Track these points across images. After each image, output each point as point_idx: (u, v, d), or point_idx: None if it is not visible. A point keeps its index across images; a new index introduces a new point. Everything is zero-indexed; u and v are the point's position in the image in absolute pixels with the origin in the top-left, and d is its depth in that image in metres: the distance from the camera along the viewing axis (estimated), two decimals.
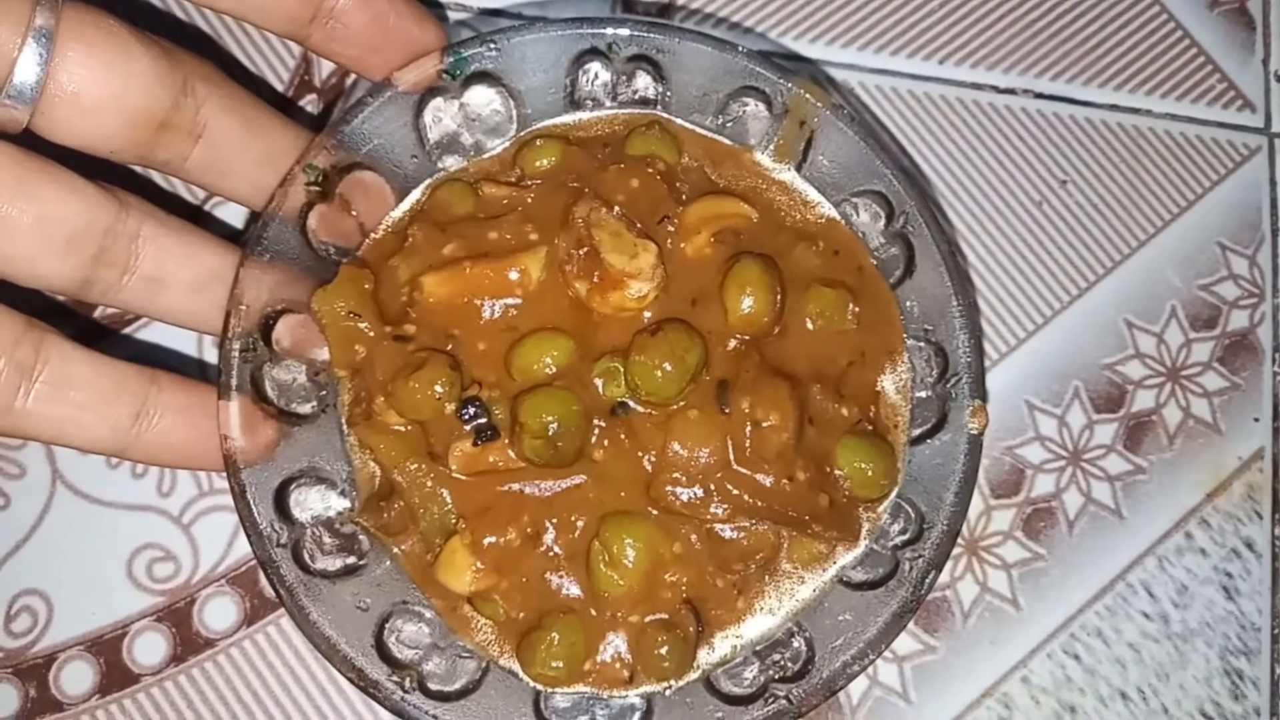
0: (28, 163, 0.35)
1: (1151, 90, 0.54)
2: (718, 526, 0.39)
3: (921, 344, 0.42)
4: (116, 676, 0.44)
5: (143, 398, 0.39)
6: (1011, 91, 0.53)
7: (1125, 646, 0.47)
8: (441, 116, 0.44)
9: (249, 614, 0.45)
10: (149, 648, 0.45)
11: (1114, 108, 0.53)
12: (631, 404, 0.39)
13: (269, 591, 0.44)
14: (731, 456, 0.38)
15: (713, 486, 0.38)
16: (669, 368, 0.38)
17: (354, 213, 0.44)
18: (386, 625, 0.39)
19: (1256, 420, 0.50)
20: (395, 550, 0.41)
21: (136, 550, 0.46)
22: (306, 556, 0.39)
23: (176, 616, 0.45)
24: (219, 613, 0.45)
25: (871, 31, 0.54)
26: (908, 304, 0.43)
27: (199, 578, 0.45)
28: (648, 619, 0.39)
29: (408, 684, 0.38)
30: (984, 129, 0.53)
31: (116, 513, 0.46)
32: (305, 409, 0.41)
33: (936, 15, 0.54)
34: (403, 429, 0.39)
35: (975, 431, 0.40)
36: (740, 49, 0.43)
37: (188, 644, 0.45)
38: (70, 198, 0.35)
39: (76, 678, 0.44)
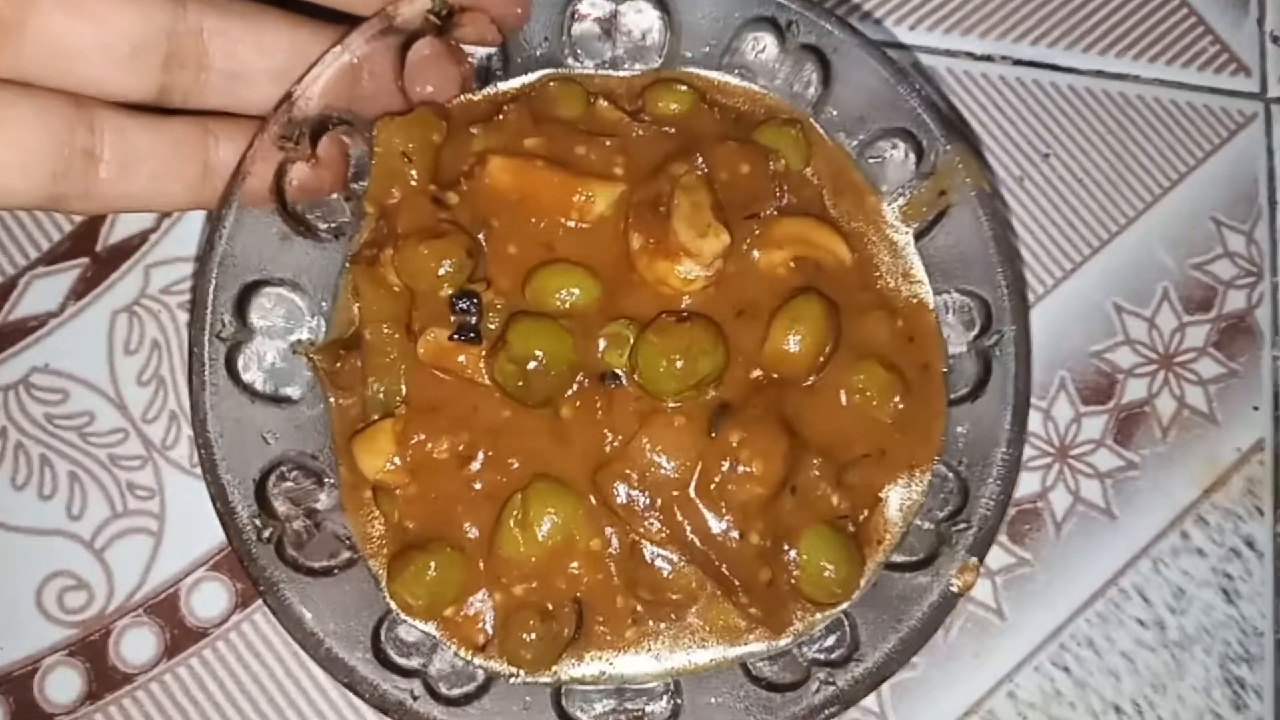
0: None
1: (1139, 54, 0.50)
2: (645, 544, 0.37)
3: (949, 474, 0.39)
4: (27, 718, 0.41)
5: (204, 151, 0.38)
6: (988, 58, 0.50)
7: (1118, 656, 0.45)
8: (592, 14, 0.42)
9: (170, 645, 0.42)
10: (62, 684, 0.42)
11: (1099, 74, 0.50)
12: (623, 379, 0.37)
13: (190, 621, 0.42)
14: (694, 482, 0.36)
15: (660, 502, 0.36)
16: (678, 363, 0.35)
17: (467, 61, 0.41)
18: (271, 477, 0.37)
19: (1256, 409, 0.47)
20: (332, 401, 0.39)
21: (46, 579, 0.42)
22: (240, 364, 0.38)
23: (91, 650, 0.42)
24: (137, 645, 0.42)
25: None
26: (957, 429, 0.40)
27: (114, 607, 0.42)
28: (530, 598, 0.36)
29: (268, 535, 0.37)
30: (959, 100, 0.49)
31: (23, 538, 0.43)
32: (322, 226, 0.40)
33: None
34: (397, 289, 0.38)
35: (956, 590, 0.37)
36: (916, 85, 0.40)
37: (104, 680, 0.42)
38: (125, 8, 0.35)
39: None
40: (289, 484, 0.38)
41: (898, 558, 0.39)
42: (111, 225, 0.47)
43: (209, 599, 0.43)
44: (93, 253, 0.46)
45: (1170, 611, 0.45)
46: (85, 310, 0.45)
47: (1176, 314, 0.48)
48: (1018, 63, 0.50)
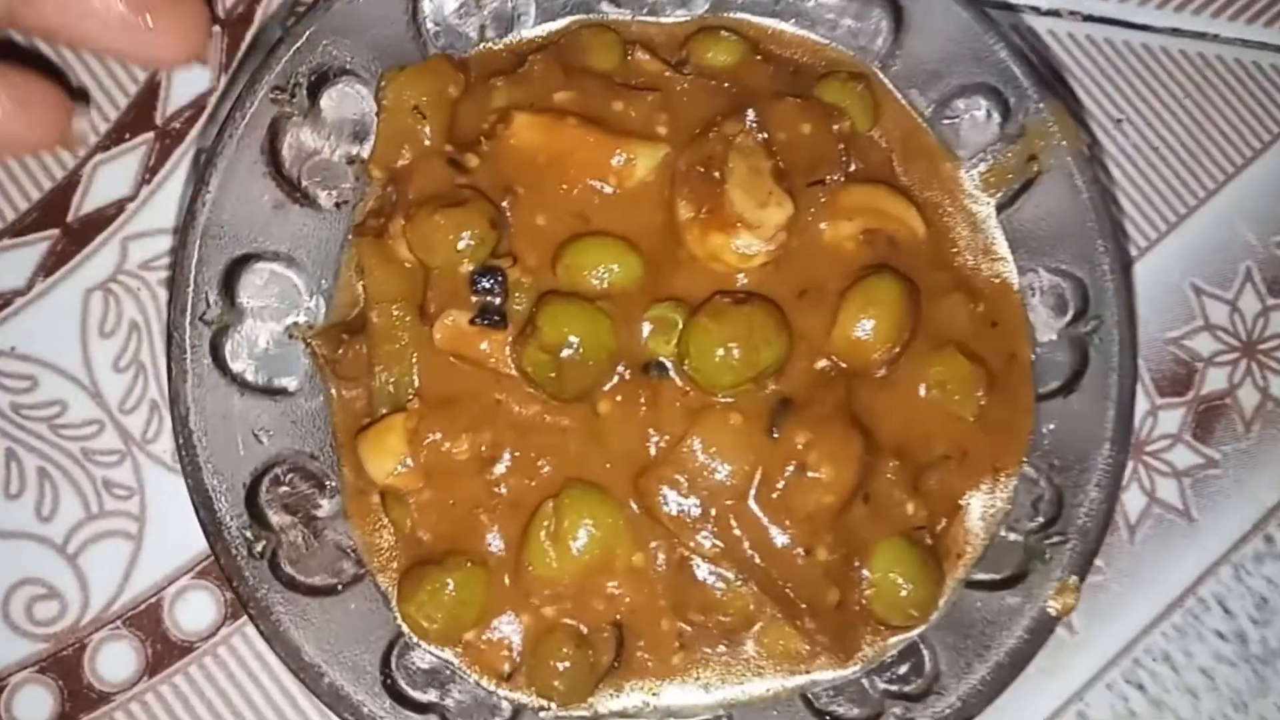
0: None
1: (1219, 11, 0.47)
2: (695, 560, 0.34)
3: (1039, 480, 0.37)
4: None
5: None
6: (1055, 13, 0.46)
7: (1197, 673, 0.42)
8: None
9: (151, 661, 0.39)
10: (31, 704, 0.39)
11: (1176, 32, 0.46)
12: (670, 369, 0.34)
13: (174, 634, 0.40)
14: (754, 490, 0.33)
15: (714, 512, 0.33)
16: (735, 352, 0.33)
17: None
18: (264, 481, 0.35)
19: None
20: (334, 393, 0.37)
21: (13, 587, 0.40)
22: (228, 350, 0.35)
23: (64, 666, 0.39)
24: (114, 661, 0.40)
25: None
26: (1047, 427, 0.37)
27: (89, 619, 0.40)
28: (563, 620, 0.34)
29: (261, 549, 0.33)
30: None
31: None
32: (321, 193, 0.37)
33: None
34: (408, 265, 0.35)
35: (1054, 613, 0.34)
36: (1003, 33, 0.36)
37: (78, 699, 0.39)
38: None
39: None
40: (285, 489, 0.35)
41: (981, 574, 0.36)
42: (84, 193, 0.44)
43: (195, 610, 0.40)
44: (64, 224, 0.43)
45: (1253, 623, 0.43)
46: (56, 288, 0.42)
47: (1260, 296, 0.45)
48: (1087, 18, 0.46)
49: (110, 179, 0.43)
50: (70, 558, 0.40)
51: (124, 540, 0.40)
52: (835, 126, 0.36)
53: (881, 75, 0.39)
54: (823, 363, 0.35)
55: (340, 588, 0.35)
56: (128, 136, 0.43)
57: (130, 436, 0.41)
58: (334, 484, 0.36)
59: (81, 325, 0.42)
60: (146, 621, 0.40)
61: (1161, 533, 0.43)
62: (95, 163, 0.43)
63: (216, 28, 0.44)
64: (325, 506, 0.36)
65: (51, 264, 0.42)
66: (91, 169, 0.43)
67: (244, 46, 0.44)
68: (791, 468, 0.33)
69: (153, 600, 0.40)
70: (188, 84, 0.44)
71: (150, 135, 0.43)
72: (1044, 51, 0.46)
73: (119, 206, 0.43)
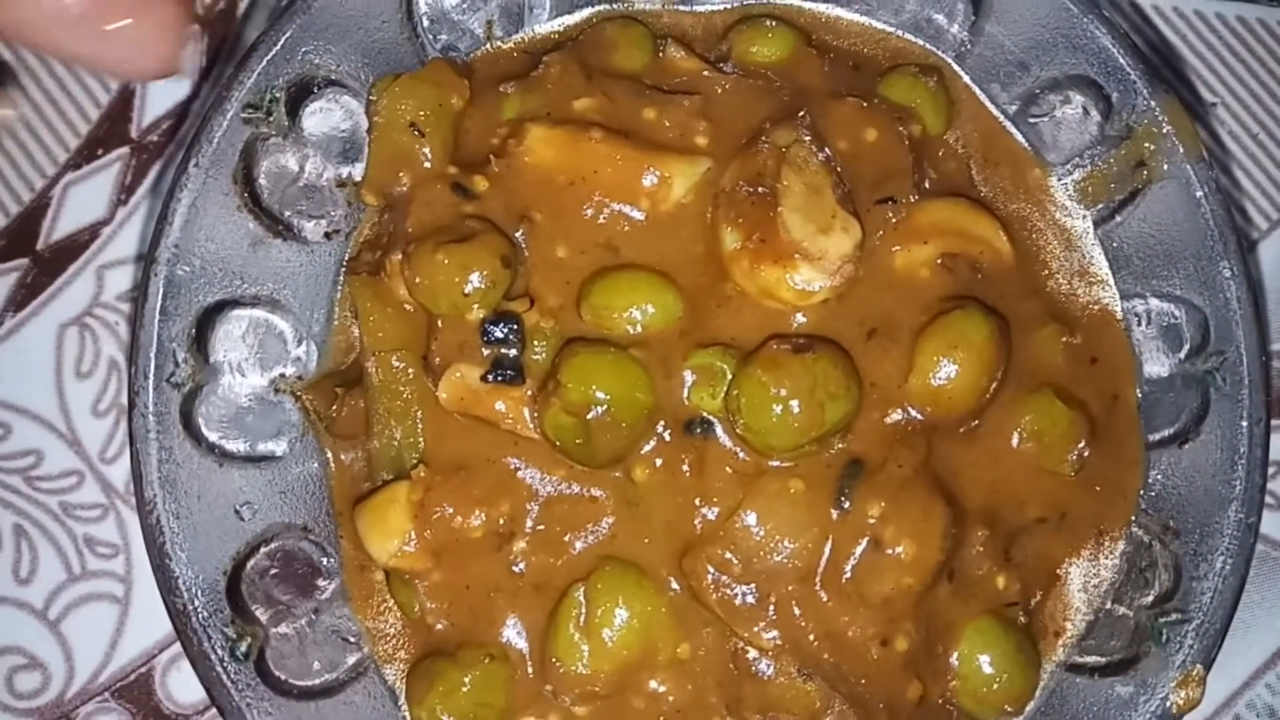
0: None
1: None
2: (751, 651, 0.31)
3: (1152, 544, 0.34)
4: None
5: None
6: None
7: None
8: None
9: None
10: None
11: (1276, 2, 0.43)
12: (718, 428, 0.31)
13: (167, 707, 0.38)
14: (820, 571, 0.31)
15: (773, 599, 0.31)
16: (795, 409, 0.30)
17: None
18: (248, 566, 0.32)
19: None
20: (329, 455, 0.34)
21: None
22: (201, 415, 0.31)
23: None
24: None
25: None
26: (1160, 479, 0.34)
27: (75, 691, 0.39)
28: None
29: (245, 649, 0.30)
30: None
31: None
32: (308, 224, 0.34)
33: None
34: (409, 307, 0.33)
35: (1176, 709, 0.31)
36: (1104, 14, 0.33)
37: None
38: None
39: None
40: (274, 572, 0.32)
41: (1085, 656, 0.33)
42: (55, 217, 0.42)
43: (189, 679, 0.37)
44: (33, 252, 0.41)
45: None
46: (27, 324, 0.41)
47: None
48: None
49: (83, 200, 0.41)
50: (52, 624, 0.39)
51: (110, 603, 0.39)
52: (904, 131, 0.34)
53: (957, 68, 0.37)
54: (897, 415, 0.32)
55: (340, 684, 0.32)
56: (100, 152, 0.41)
57: (112, 488, 0.40)
58: (332, 561, 0.33)
59: (56, 365, 0.41)
60: (137, 693, 0.39)
61: (1265, 573, 0.41)
62: (65, 183, 0.41)
63: (196, 27, 0.41)
64: (322, 588, 0.33)
65: (21, 297, 0.41)
66: (62, 190, 0.41)
67: (227, 48, 0.41)
68: (864, 544, 0.30)
69: (143, 669, 0.39)
70: (166, 91, 0.41)
71: (125, 150, 0.41)
72: (1152, 35, 0.43)
73: (93, 231, 0.41)
